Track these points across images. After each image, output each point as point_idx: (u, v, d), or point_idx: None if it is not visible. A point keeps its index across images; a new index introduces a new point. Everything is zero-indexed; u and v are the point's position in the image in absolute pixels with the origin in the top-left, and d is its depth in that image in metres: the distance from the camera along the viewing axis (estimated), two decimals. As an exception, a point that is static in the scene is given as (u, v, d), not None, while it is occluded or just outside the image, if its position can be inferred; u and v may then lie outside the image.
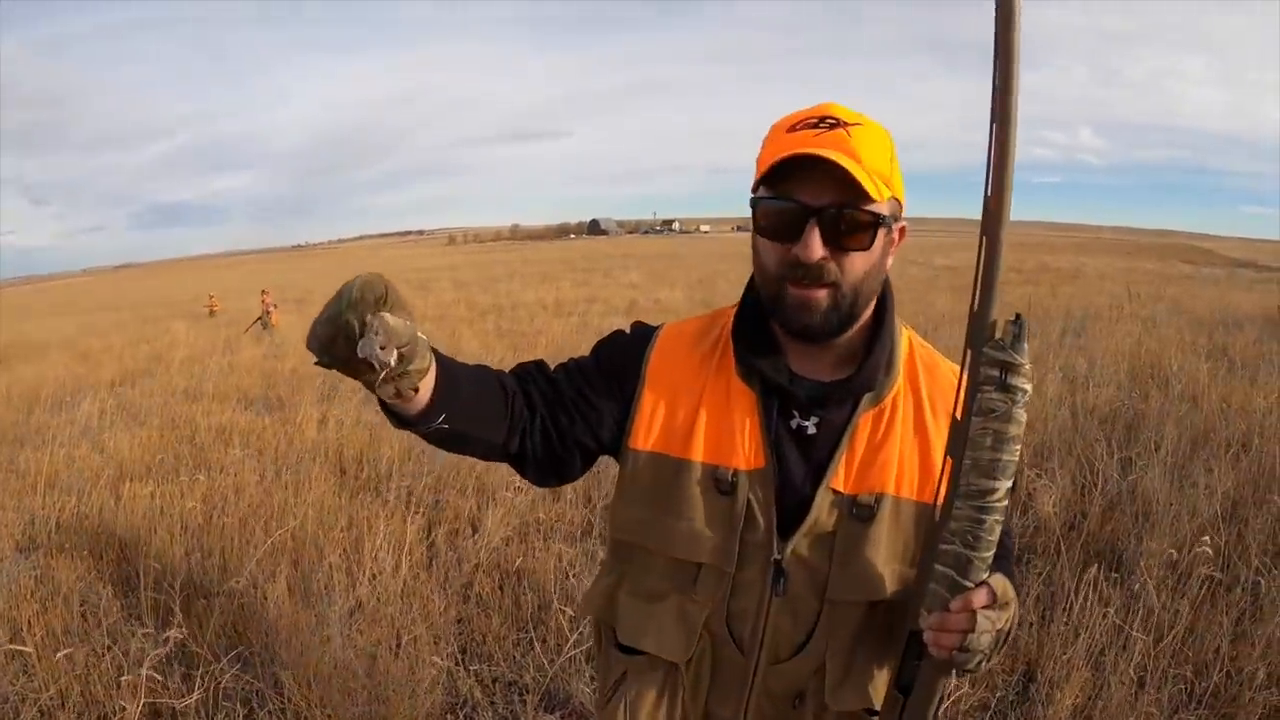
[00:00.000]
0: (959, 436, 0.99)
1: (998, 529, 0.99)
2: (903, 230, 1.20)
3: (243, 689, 2.95)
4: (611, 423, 1.27)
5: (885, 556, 1.18)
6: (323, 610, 3.34)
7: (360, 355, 0.90)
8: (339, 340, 0.91)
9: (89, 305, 37.70)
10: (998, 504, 0.97)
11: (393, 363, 0.91)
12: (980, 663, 1.05)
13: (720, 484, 1.20)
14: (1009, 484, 0.97)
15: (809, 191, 1.07)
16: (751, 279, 1.25)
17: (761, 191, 1.12)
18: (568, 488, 4.74)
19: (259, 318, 16.19)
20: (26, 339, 18.64)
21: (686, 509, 1.21)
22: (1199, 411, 5.84)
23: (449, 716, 2.94)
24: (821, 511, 1.19)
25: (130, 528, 4.42)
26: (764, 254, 1.15)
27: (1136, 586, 3.28)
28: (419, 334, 0.95)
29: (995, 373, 0.95)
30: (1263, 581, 3.40)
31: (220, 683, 2.94)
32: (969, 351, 0.98)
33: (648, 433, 1.25)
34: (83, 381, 10.37)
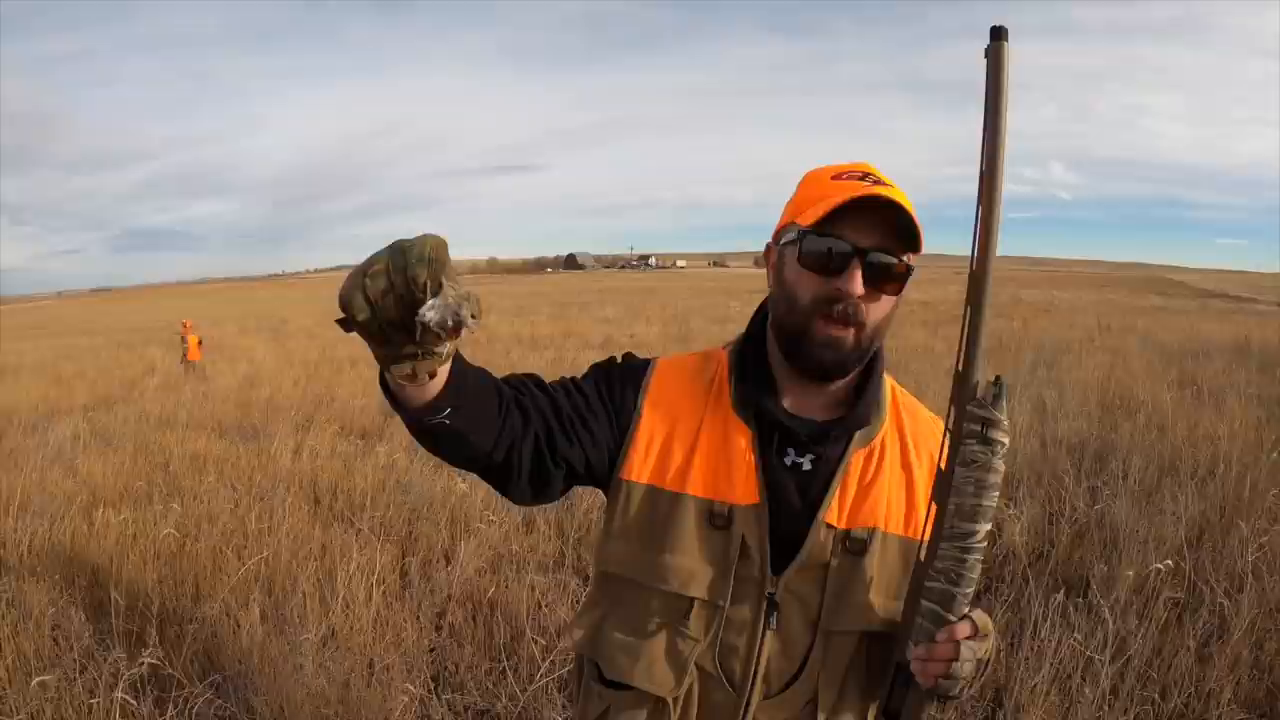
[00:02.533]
0: (944, 485, 1.07)
1: (979, 567, 1.07)
2: None
3: (215, 714, 2.94)
4: (605, 449, 1.27)
5: (875, 589, 1.21)
6: (295, 638, 3.33)
7: (425, 318, 0.81)
8: (389, 299, 0.82)
9: (62, 329, 37.30)
10: (979, 545, 1.06)
11: (461, 329, 0.84)
12: (962, 689, 1.12)
13: (715, 519, 1.22)
14: (988, 527, 1.06)
15: (859, 235, 1.12)
16: (757, 315, 1.31)
17: (802, 229, 1.16)
18: (540, 520, 4.77)
19: (184, 349, 14.26)
20: (-2, 362, 18.46)
21: (680, 543, 1.22)
22: (1166, 440, 5.94)
23: (421, 746, 2.93)
24: (816, 544, 1.21)
25: (103, 553, 4.39)
26: (798, 287, 1.17)
27: (1104, 612, 3.32)
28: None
29: (977, 427, 1.03)
30: (1226, 604, 3.46)
31: (194, 707, 2.92)
32: (953, 408, 1.06)
33: (643, 465, 1.26)
34: (55, 405, 10.32)
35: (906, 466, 1.27)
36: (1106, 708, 2.87)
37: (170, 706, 2.68)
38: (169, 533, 4.47)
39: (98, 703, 2.79)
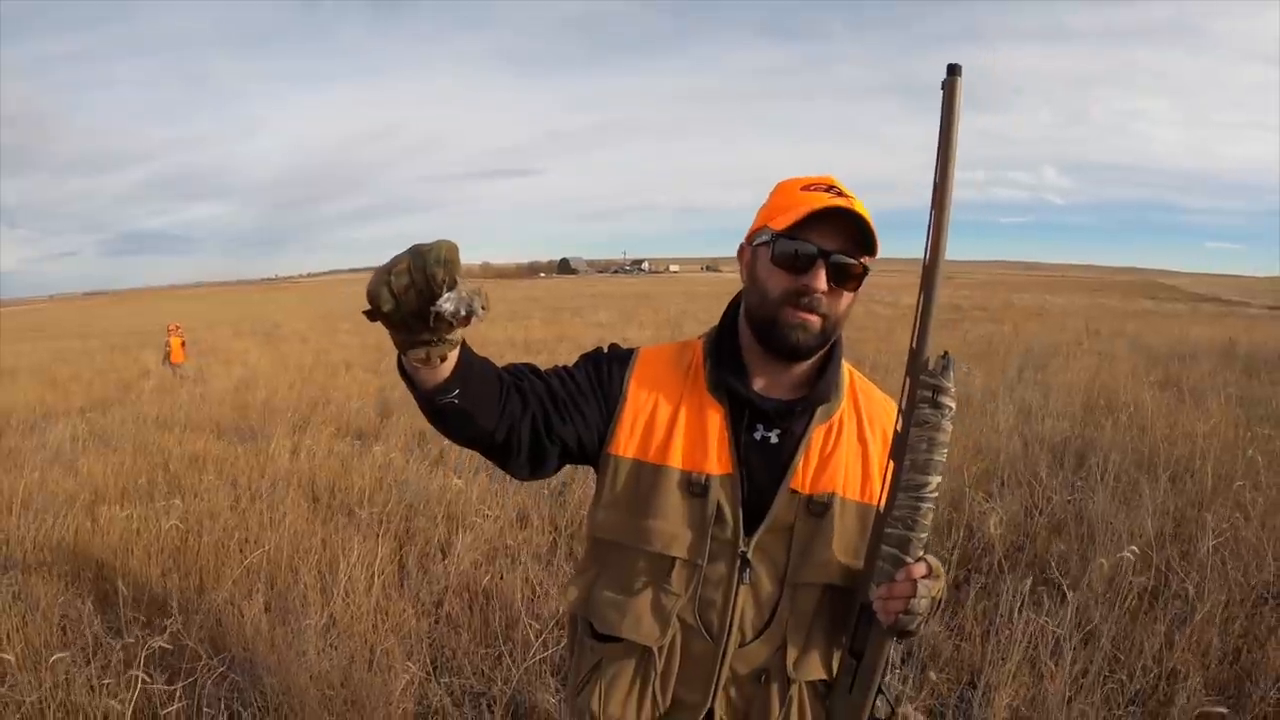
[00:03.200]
0: (900, 445, 1.24)
1: (930, 515, 1.24)
2: None
3: (224, 695, 3.04)
4: (595, 428, 1.44)
5: (835, 547, 1.39)
6: (298, 625, 3.44)
7: (441, 309, 0.98)
8: (411, 293, 0.98)
9: (57, 332, 37.27)
10: (931, 495, 1.23)
11: (472, 318, 1.01)
12: (920, 624, 1.27)
13: (694, 487, 1.39)
14: (939, 479, 1.22)
15: (824, 239, 1.33)
16: (730, 307, 1.51)
17: (775, 233, 1.35)
18: (534, 515, 4.92)
19: (166, 351, 14.60)
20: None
21: (663, 510, 1.40)
22: (1145, 439, 6.09)
23: (421, 725, 3.05)
24: (782, 508, 1.39)
25: (107, 548, 4.49)
26: (770, 282, 1.37)
27: (1077, 601, 3.45)
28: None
29: (928, 394, 1.21)
30: (1190, 588, 3.61)
31: (204, 687, 3.04)
32: (908, 379, 1.24)
33: (629, 441, 1.44)
34: (52, 408, 10.37)
35: (862, 440, 1.46)
36: (1076, 688, 2.99)
37: (180, 680, 2.77)
38: (174, 525, 4.57)
39: (110, 683, 2.89)
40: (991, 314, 23.94)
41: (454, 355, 1.15)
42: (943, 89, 1.15)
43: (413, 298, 0.98)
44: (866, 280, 1.39)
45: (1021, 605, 3.29)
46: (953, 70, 1.15)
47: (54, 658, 2.99)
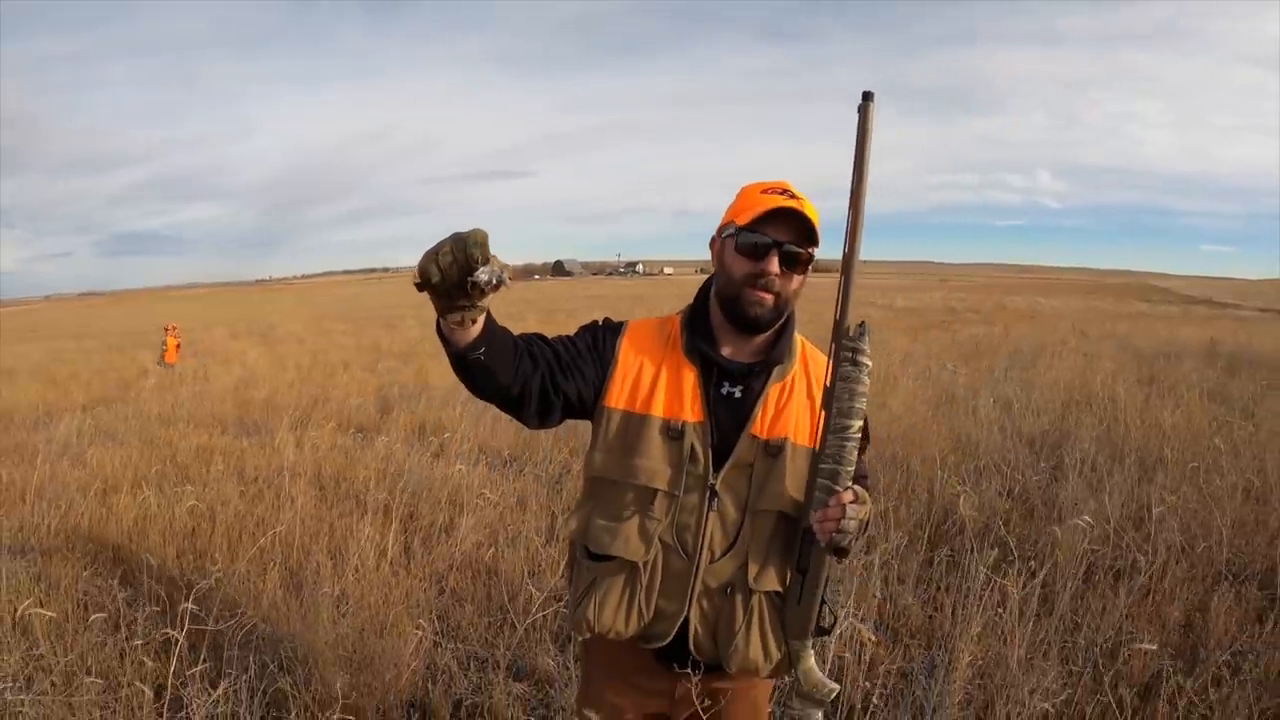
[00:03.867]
0: (829, 396, 1.55)
1: (855, 452, 1.54)
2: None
3: (243, 660, 3.22)
4: (593, 384, 1.74)
5: (787, 482, 1.69)
6: (313, 596, 3.64)
7: (477, 279, 1.28)
8: (454, 268, 1.28)
9: (54, 333, 37.34)
10: (854, 435, 1.53)
11: (501, 286, 1.30)
12: (851, 541, 1.55)
13: (672, 432, 1.71)
14: (859, 422, 1.53)
15: (778, 232, 1.64)
16: (703, 287, 1.82)
17: (738, 227, 1.66)
18: (533, 500, 5.17)
19: (162, 350, 15.56)
20: (-8, 365, 18.58)
21: (647, 450, 1.70)
22: (1117, 429, 6.34)
23: (429, 684, 3.27)
24: (744, 449, 1.71)
25: (122, 532, 4.69)
26: (734, 267, 1.68)
27: (1043, 574, 3.67)
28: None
29: (849, 354, 1.52)
30: (1144, 560, 3.86)
31: (231, 650, 3.24)
32: (834, 344, 1.55)
33: (619, 395, 1.75)
34: (54, 406, 10.51)
35: (810, 396, 1.77)
36: (1037, 651, 3.20)
37: (204, 644, 2.95)
38: (192, 505, 4.76)
39: (139, 644, 3.09)
40: (984, 316, 24.24)
41: (482, 320, 1.45)
42: (858, 114, 1.45)
43: (455, 272, 1.29)
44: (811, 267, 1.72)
45: (988, 576, 3.51)
46: (867, 97, 1.45)
47: (93, 617, 3.20)
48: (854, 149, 1.47)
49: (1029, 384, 8.98)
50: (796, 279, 1.69)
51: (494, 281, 1.30)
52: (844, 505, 1.52)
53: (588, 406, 1.76)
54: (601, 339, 1.80)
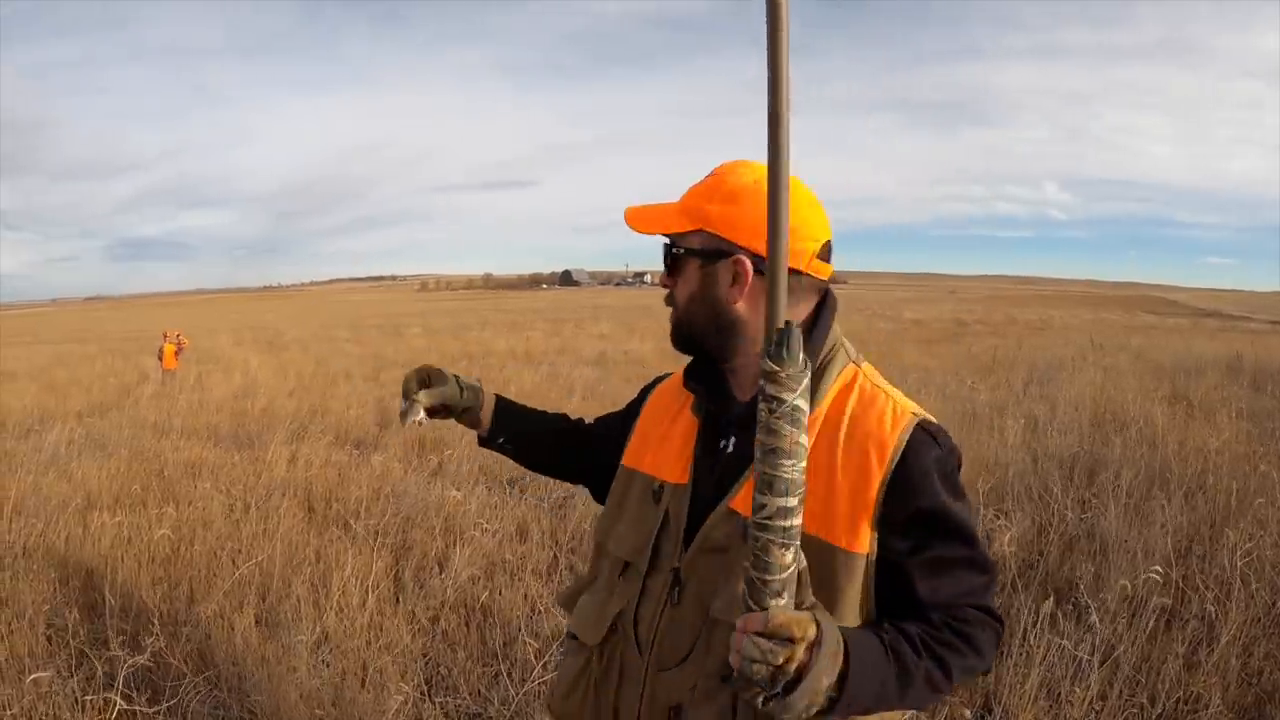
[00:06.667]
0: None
1: (778, 552, 0.94)
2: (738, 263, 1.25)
3: (210, 712, 2.95)
4: (623, 448, 1.50)
5: None
6: (289, 640, 3.35)
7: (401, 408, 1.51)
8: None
9: (57, 336, 37.35)
10: (772, 523, 0.93)
11: (407, 421, 1.50)
12: (760, 697, 0.96)
13: (654, 494, 1.36)
14: (783, 502, 0.93)
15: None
16: None
17: None
18: (534, 528, 4.87)
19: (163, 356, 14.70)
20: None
21: (629, 512, 1.40)
22: (1156, 453, 5.98)
23: (415, 746, 2.95)
24: (712, 528, 1.24)
25: (97, 555, 4.41)
26: None
27: (1093, 619, 3.36)
28: (457, 393, 1.53)
29: (762, 383, 0.94)
30: (1213, 609, 3.50)
31: (189, 705, 2.94)
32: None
33: (629, 450, 1.48)
34: (50, 411, 10.33)
35: (830, 461, 1.18)
36: (1095, 713, 2.90)
37: (164, 700, 2.69)
38: (164, 534, 4.49)
39: (92, 699, 2.80)
40: (994, 328, 23.97)
41: (486, 418, 1.59)
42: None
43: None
44: (727, 261, 1.24)
45: (1037, 624, 3.19)
46: None
47: (32, 677, 2.90)
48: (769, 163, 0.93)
49: (1051, 400, 8.64)
50: (685, 281, 1.29)
51: (404, 417, 1.50)
52: (745, 635, 0.95)
53: None
54: (638, 398, 1.59)
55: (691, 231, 1.26)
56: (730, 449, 1.29)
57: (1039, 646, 3.11)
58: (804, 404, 0.93)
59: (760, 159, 0.95)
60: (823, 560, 1.13)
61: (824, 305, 1.29)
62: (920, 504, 1.14)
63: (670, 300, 1.33)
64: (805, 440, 0.94)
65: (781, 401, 0.92)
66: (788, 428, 0.92)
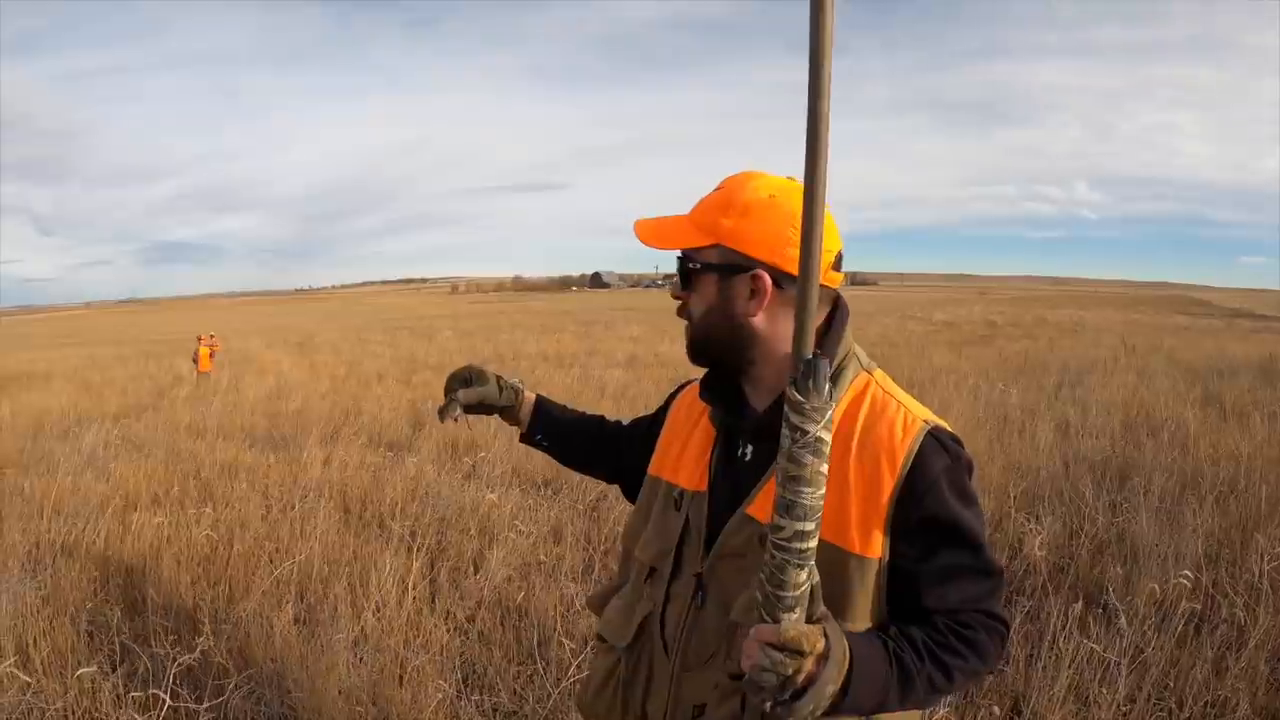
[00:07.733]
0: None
1: (794, 571, 0.99)
2: (756, 278, 1.26)
3: (251, 708, 3.01)
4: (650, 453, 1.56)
5: None
6: (328, 639, 3.41)
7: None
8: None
9: (92, 339, 37.86)
10: (789, 545, 0.98)
11: (445, 419, 1.67)
12: (771, 702, 1.02)
13: (676, 501, 1.41)
14: (801, 526, 0.97)
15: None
16: None
17: None
18: (568, 531, 4.89)
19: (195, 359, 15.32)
20: (30, 368, 18.76)
21: (652, 518, 1.46)
22: (1188, 457, 5.94)
23: (451, 742, 3.00)
24: (731, 534, 1.30)
25: (137, 554, 4.50)
26: None
27: (1122, 622, 3.36)
28: (496, 392, 1.69)
29: (787, 410, 0.98)
30: (1242, 614, 3.49)
31: (232, 701, 3.01)
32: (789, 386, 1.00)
33: (653, 457, 1.53)
34: (86, 413, 10.49)
35: (843, 469, 1.21)
36: (1123, 716, 2.90)
37: (207, 698, 2.75)
38: (207, 534, 4.57)
39: (136, 696, 2.87)
40: (1026, 330, 23.71)
41: (526, 416, 1.74)
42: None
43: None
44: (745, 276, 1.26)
45: (1066, 627, 3.20)
46: None
47: (78, 673, 2.98)
48: (805, 183, 0.95)
49: (1083, 403, 8.57)
50: (699, 296, 1.31)
51: (443, 413, 1.67)
52: (758, 644, 1.00)
53: None
54: (665, 404, 1.62)
55: (707, 246, 1.28)
56: (748, 457, 1.34)
57: (1068, 649, 3.13)
58: (827, 435, 0.97)
59: (783, 163, 1.00)
60: (836, 565, 1.18)
61: (836, 313, 1.32)
62: (929, 512, 1.18)
63: (685, 313, 1.35)
64: (825, 469, 0.98)
65: (805, 433, 0.96)
66: (810, 458, 0.96)
